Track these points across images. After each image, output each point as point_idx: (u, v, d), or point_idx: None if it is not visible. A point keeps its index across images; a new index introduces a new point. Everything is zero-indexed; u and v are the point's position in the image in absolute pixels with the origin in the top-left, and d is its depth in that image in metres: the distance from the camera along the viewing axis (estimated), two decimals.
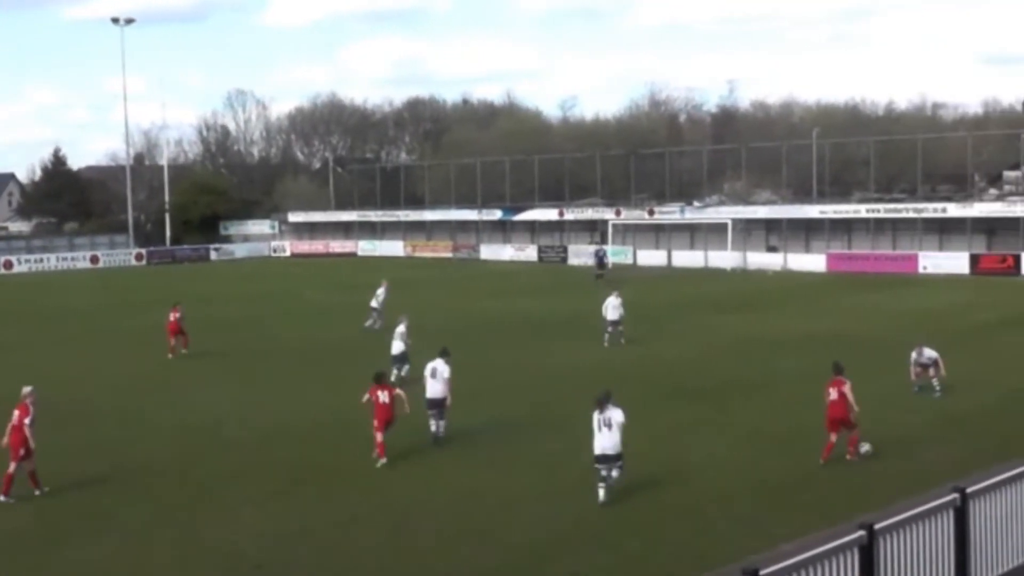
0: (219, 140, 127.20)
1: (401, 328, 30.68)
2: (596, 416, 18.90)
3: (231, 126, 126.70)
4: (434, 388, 23.16)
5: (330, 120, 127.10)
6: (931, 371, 27.38)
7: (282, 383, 31.62)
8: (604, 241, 78.38)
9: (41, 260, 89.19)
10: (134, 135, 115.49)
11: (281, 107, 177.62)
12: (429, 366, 23.45)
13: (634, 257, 77.77)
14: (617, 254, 77.11)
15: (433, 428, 23.23)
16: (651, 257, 77.24)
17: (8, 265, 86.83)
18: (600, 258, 67.65)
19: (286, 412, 27.24)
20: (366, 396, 22.11)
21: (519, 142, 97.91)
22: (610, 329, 36.96)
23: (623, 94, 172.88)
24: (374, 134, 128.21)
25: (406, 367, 29.75)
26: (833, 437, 21.01)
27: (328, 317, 47.45)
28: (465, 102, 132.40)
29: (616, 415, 18.82)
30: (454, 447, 23.03)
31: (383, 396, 21.70)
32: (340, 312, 48.63)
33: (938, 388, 27.17)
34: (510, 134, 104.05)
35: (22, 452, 19.63)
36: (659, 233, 79.47)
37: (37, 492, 19.87)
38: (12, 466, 19.65)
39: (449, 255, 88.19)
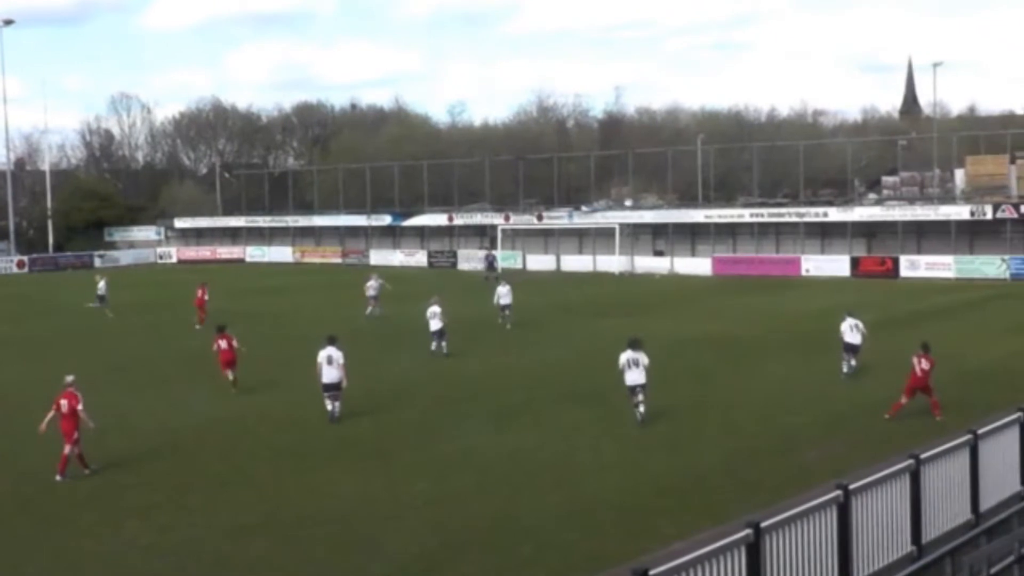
0: (103, 145, 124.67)
1: (436, 308, 35.73)
2: (627, 356, 24.18)
3: (115, 130, 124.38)
4: (330, 374, 25.74)
5: (216, 125, 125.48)
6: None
7: (166, 390, 31.10)
8: (494, 246, 78.63)
9: None
10: (14, 139, 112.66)
11: (166, 111, 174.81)
12: (323, 354, 25.82)
13: (523, 261, 78.11)
14: (507, 259, 77.33)
15: (330, 408, 25.81)
16: (540, 261, 77.65)
17: None
18: (490, 262, 68.48)
19: (171, 420, 26.79)
20: (215, 346, 29.87)
21: (408, 147, 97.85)
22: (505, 312, 42.94)
23: (511, 100, 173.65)
24: (261, 139, 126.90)
25: (444, 342, 35.50)
26: (904, 400, 24.46)
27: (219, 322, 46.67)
28: (353, 107, 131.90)
29: (643, 357, 24.22)
30: (343, 454, 22.91)
31: (223, 344, 29.79)
32: (231, 318, 47.98)
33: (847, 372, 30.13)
34: (399, 139, 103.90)
35: (90, 428, 21.63)
36: (548, 238, 79.93)
37: (58, 477, 21.27)
38: (67, 448, 21.31)
39: (338, 260, 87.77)
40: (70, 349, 40.34)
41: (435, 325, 35.80)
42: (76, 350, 39.54)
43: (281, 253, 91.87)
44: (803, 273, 66.19)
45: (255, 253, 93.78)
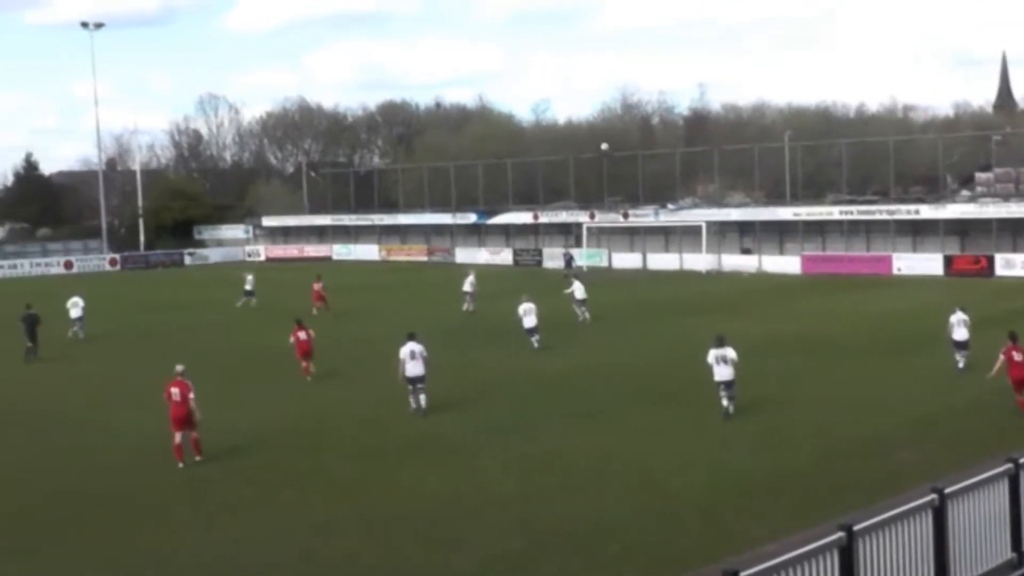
0: (191, 144, 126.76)
1: (528, 305, 36.92)
2: (715, 353, 24.78)
3: (203, 130, 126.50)
4: (414, 368, 26.38)
5: (302, 125, 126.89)
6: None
7: (258, 388, 31.50)
8: (579, 244, 78.52)
9: (15, 266, 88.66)
10: (106, 140, 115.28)
11: (253, 111, 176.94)
12: (405, 349, 26.41)
13: (609, 260, 77.82)
14: (591, 257, 77.14)
15: (414, 404, 26.49)
16: (626, 260, 77.29)
17: None
18: (568, 260, 68.37)
19: (262, 417, 27.11)
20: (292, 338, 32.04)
21: (492, 145, 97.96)
22: (582, 308, 43.79)
23: (595, 97, 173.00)
24: (347, 138, 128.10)
25: (537, 336, 36.66)
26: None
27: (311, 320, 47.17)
28: (438, 106, 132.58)
29: (730, 352, 24.77)
30: (428, 451, 23.02)
31: (302, 335, 31.93)
32: (321, 315, 48.59)
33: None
34: (483, 137, 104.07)
35: (197, 419, 22.35)
36: (633, 236, 79.52)
37: (198, 459, 22.34)
38: (177, 437, 22.18)
39: (424, 259, 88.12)
40: (184, 342, 41.08)
41: (529, 322, 36.91)
42: (186, 343, 40.20)
43: (367, 251, 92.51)
44: (894, 272, 65.11)
45: (341, 251, 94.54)
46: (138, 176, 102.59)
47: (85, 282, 65.45)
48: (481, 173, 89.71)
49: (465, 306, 49.57)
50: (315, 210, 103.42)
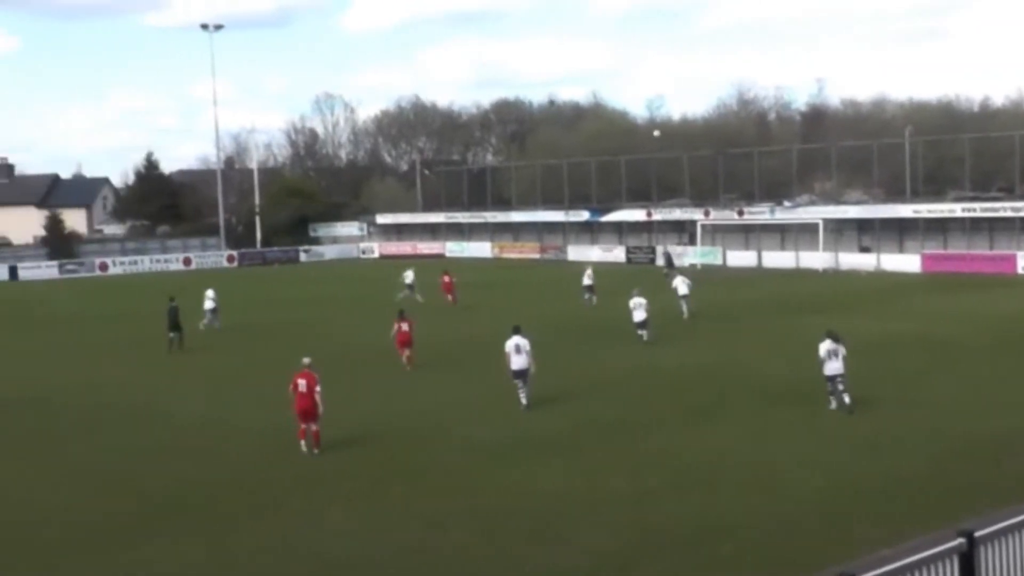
0: (307, 143, 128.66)
1: (639, 299, 37.80)
2: (826, 347, 25.23)
3: (319, 129, 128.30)
4: (519, 361, 26.76)
5: (416, 123, 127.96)
6: None
7: (374, 382, 31.87)
8: (692, 242, 78.01)
9: (135, 262, 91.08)
10: (224, 139, 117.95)
11: (368, 110, 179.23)
12: (511, 343, 26.82)
13: (723, 258, 77.10)
14: (706, 255, 76.54)
15: (524, 400, 26.77)
16: (741, 258, 76.51)
17: (104, 267, 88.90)
18: (668, 259, 67.47)
19: (376, 411, 27.41)
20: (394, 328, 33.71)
21: (606, 143, 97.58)
22: (685, 303, 44.54)
23: (710, 93, 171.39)
24: (460, 136, 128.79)
25: (646, 330, 37.55)
26: None
27: (427, 316, 47.62)
28: (551, 103, 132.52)
29: (842, 348, 25.31)
30: (539, 447, 23.04)
31: (404, 327, 33.56)
32: (438, 313, 49.11)
33: None
34: (596, 135, 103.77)
35: (320, 412, 23.00)
36: (748, 234, 78.68)
37: (316, 452, 22.89)
38: (315, 426, 22.98)
39: (536, 256, 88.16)
40: (302, 336, 42.00)
41: (638, 316, 37.71)
42: (303, 337, 40.94)
43: (480, 248, 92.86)
44: (1019, 271, 63.45)
45: (454, 248, 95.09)
46: (255, 174, 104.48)
47: (204, 278, 66.63)
48: (594, 170, 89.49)
49: (586, 297, 50.82)
50: (428, 207, 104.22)
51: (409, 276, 57.07)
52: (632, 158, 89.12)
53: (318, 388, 22.99)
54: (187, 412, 28.66)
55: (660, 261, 70.26)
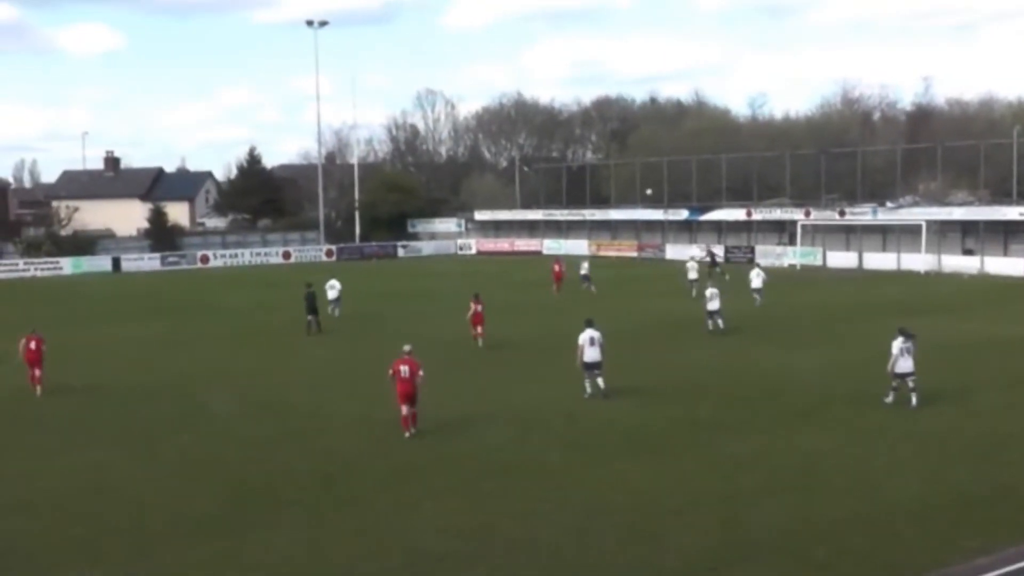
0: (408, 139, 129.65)
1: (714, 290, 40.62)
2: (899, 344, 25.89)
3: (420, 125, 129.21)
4: (592, 353, 27.83)
5: (517, 119, 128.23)
6: None
7: (470, 376, 32.07)
8: (792, 242, 77.22)
9: (236, 255, 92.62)
10: (325, 134, 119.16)
11: (468, 106, 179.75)
12: (584, 335, 27.90)
13: (823, 258, 76.11)
14: (806, 256, 75.66)
15: (590, 389, 27.90)
16: (841, 259, 75.46)
17: (205, 259, 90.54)
18: (712, 259, 66.28)
19: (468, 407, 27.54)
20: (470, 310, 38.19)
21: (707, 141, 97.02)
22: (758, 295, 48.11)
23: (814, 91, 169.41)
24: (560, 133, 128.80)
25: (720, 319, 40.11)
26: None
27: (520, 314, 47.86)
28: (652, 101, 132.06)
29: (913, 346, 26.00)
30: (633, 446, 22.99)
31: (478, 308, 38.28)
32: (531, 309, 49.23)
33: None
34: (697, 132, 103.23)
35: (418, 397, 24.05)
36: (850, 234, 77.59)
37: (407, 434, 23.96)
38: (410, 408, 23.98)
39: (634, 255, 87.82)
40: (400, 328, 42.52)
41: (712, 305, 40.20)
42: (402, 330, 41.37)
43: (577, 246, 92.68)
44: None
45: (552, 246, 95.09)
46: (355, 170, 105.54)
47: (304, 272, 67.56)
48: (695, 168, 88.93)
49: (694, 291, 52.03)
50: (527, 204, 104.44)
51: (584, 267, 60.04)
52: (733, 156, 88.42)
53: (421, 373, 23.97)
54: (306, 401, 29.15)
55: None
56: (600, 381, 27.88)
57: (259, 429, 25.86)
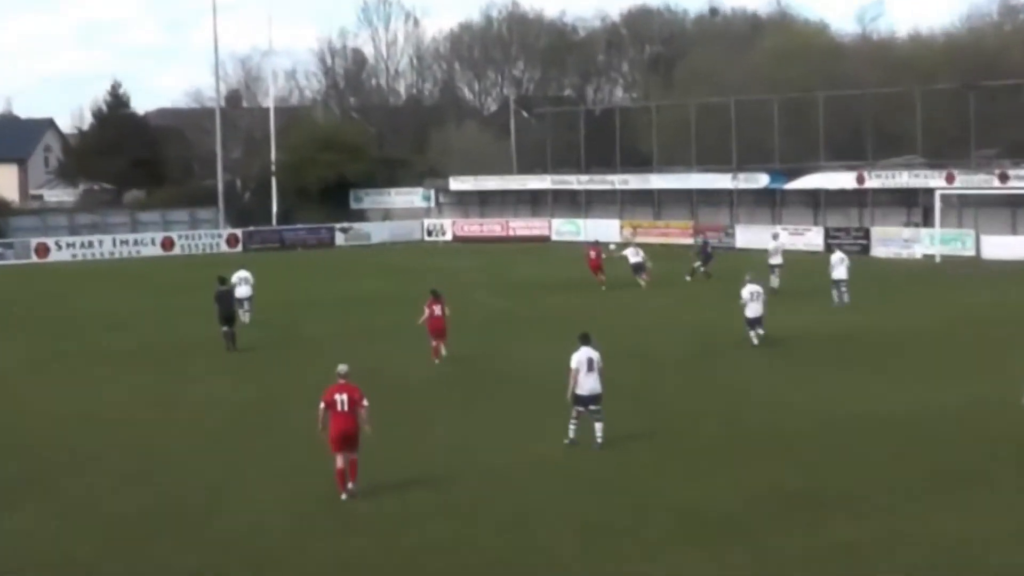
0: (350, 72, 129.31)
1: (756, 287, 42.68)
2: None
3: (367, 51, 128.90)
4: (590, 382, 28.65)
5: (511, 42, 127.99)
6: None
7: (433, 423, 31.60)
8: (928, 221, 76.79)
9: (91, 244, 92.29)
10: (226, 65, 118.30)
11: (438, 23, 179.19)
12: (581, 356, 28.64)
13: (976, 246, 75.51)
14: (949, 241, 75.10)
15: (598, 434, 28.68)
16: (1004, 246, 74.68)
17: (42, 251, 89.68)
18: (705, 252, 66.06)
19: (432, 467, 27.05)
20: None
21: (794, 72, 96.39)
22: (843, 289, 52.30)
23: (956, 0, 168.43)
24: (576, 63, 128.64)
25: (759, 330, 42.59)
26: None
27: (519, 328, 47.96)
28: (713, 12, 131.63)
29: None
30: (692, 534, 22.66)
31: (437, 310, 40.41)
32: (536, 320, 49.05)
33: None
34: (780, 59, 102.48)
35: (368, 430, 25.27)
36: (1016, 209, 77.14)
37: (343, 495, 24.91)
38: (346, 456, 24.85)
39: (688, 241, 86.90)
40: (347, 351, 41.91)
41: (753, 311, 42.25)
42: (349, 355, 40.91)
43: (603, 229, 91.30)
44: None
45: (565, 229, 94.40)
46: (271, 117, 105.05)
47: (196, 267, 67.04)
48: (777, 113, 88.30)
49: (774, 282, 56.01)
50: (527, 168, 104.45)
51: (636, 254, 62.96)
52: (835, 95, 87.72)
53: (365, 403, 24.86)
54: (194, 466, 28.53)
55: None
56: (598, 426, 28.60)
57: (122, 505, 25.68)
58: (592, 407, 28.63)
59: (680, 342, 44.02)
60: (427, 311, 40.52)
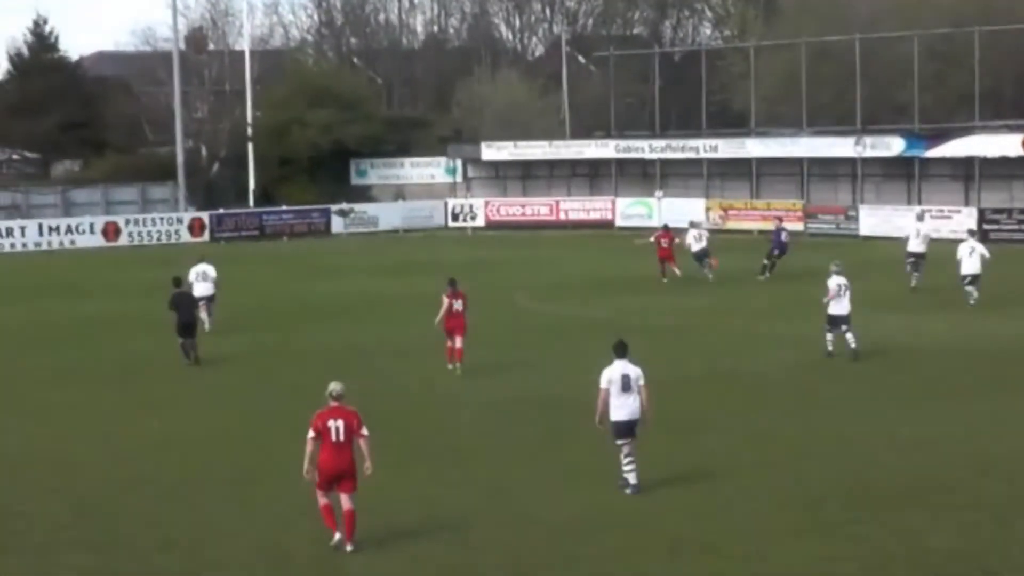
0: (351, 4, 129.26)
1: (842, 280, 44.34)
2: None
3: None
4: (626, 405, 29.15)
5: None
6: None
7: (460, 464, 31.45)
8: None
9: (9, 232, 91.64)
10: None
11: None
12: (614, 372, 29.23)
13: None
14: None
15: (633, 478, 29.22)
16: None
17: None
18: (779, 237, 67.20)
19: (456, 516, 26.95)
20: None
21: (941, 1, 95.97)
22: (973, 287, 53.84)
23: None
24: None
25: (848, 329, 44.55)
26: None
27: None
28: None
29: None
30: None
31: (457, 304, 42.83)
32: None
33: None
34: None
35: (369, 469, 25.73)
36: None
37: (334, 539, 25.49)
38: (338, 497, 25.49)
39: (798, 227, 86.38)
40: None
41: (839, 308, 44.13)
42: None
43: (683, 208, 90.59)
44: None
45: (633, 211, 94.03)
46: (247, 65, 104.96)
47: (145, 262, 66.99)
48: (916, 56, 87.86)
49: (915, 279, 58.82)
50: (582, 131, 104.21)
51: (694, 237, 65.61)
52: (996, 31, 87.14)
53: (364, 431, 25.27)
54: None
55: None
56: (626, 459, 29.10)
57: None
58: (630, 438, 29.08)
59: (779, 357, 44.89)
60: (444, 302, 42.45)
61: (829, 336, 44.28)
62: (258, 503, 29.36)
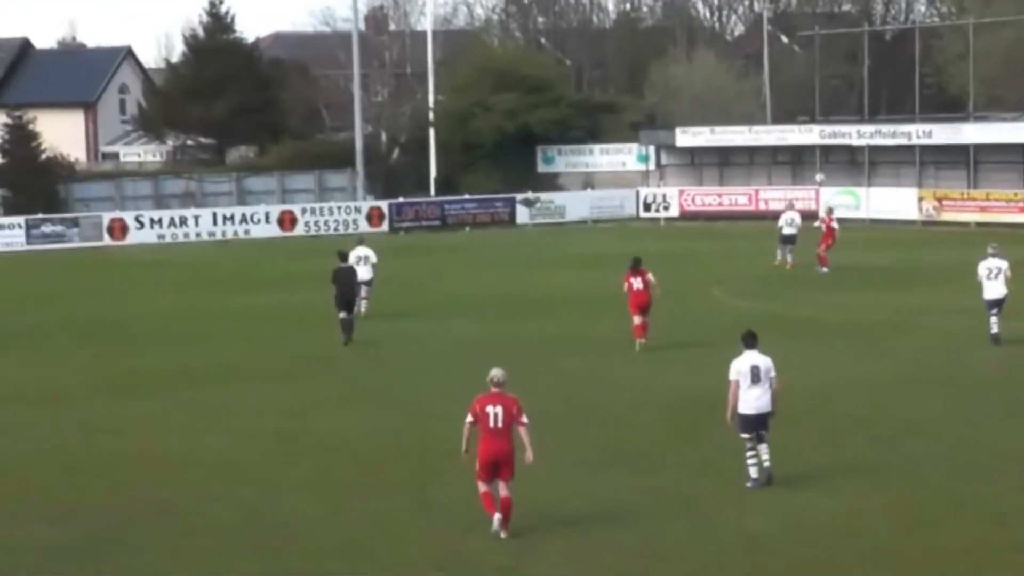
0: None
1: (1000, 262, 46.39)
2: None
3: None
4: (757, 398, 29.78)
5: None
6: None
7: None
8: None
9: (183, 221, 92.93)
10: None
11: None
12: (743, 365, 29.68)
13: None
14: None
15: (766, 461, 29.89)
16: None
17: (118, 230, 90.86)
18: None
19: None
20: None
21: None
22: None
23: None
24: None
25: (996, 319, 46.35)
26: None
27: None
28: None
29: None
30: None
31: (636, 283, 45.62)
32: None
33: None
34: None
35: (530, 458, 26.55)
36: None
37: (503, 534, 26.09)
38: (497, 487, 26.20)
39: (1020, 219, 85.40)
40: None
41: (994, 292, 46.05)
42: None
43: (892, 200, 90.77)
44: None
45: (839, 200, 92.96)
46: (429, 46, 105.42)
47: (321, 253, 67.44)
48: None
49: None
50: (784, 115, 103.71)
51: (787, 220, 68.62)
52: None
53: (524, 419, 25.78)
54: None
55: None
56: (764, 451, 29.65)
57: None
58: (762, 432, 29.49)
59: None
60: (625, 285, 45.62)
61: (992, 320, 45.39)
62: (435, 507, 29.42)
